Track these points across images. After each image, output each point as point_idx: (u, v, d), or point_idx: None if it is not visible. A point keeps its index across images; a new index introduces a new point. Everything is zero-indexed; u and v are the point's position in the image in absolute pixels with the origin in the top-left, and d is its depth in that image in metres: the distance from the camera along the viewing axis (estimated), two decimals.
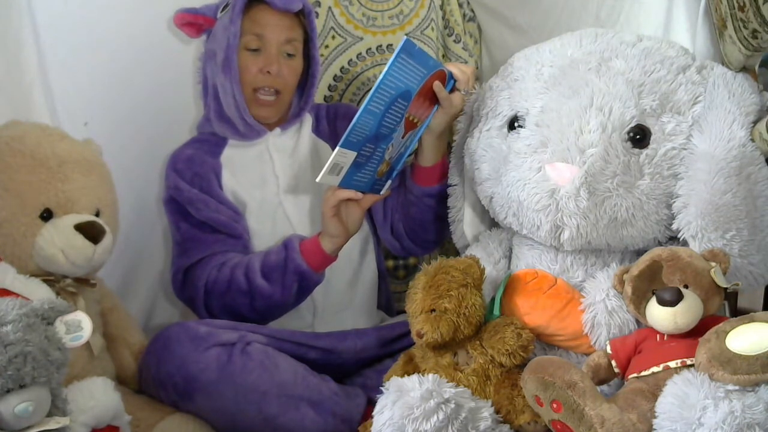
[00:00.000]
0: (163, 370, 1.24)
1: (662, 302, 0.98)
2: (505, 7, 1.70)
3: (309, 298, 1.43)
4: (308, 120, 1.58)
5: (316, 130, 1.58)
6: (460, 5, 1.78)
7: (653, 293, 1.01)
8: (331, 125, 1.58)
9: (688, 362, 0.96)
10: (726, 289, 1.02)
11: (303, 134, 1.56)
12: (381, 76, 1.14)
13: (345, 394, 1.31)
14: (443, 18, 1.77)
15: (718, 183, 1.07)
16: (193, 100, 1.66)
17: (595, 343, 1.09)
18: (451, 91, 1.30)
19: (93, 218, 1.24)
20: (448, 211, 1.37)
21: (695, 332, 0.98)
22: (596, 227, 1.11)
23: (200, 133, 1.56)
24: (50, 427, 0.89)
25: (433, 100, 1.28)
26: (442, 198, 1.39)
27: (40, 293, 1.15)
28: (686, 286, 1.00)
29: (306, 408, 1.25)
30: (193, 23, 1.49)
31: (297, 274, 1.35)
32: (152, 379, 1.27)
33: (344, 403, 1.29)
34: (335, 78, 1.76)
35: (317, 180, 1.21)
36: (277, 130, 1.52)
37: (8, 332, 0.86)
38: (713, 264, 1.02)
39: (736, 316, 0.96)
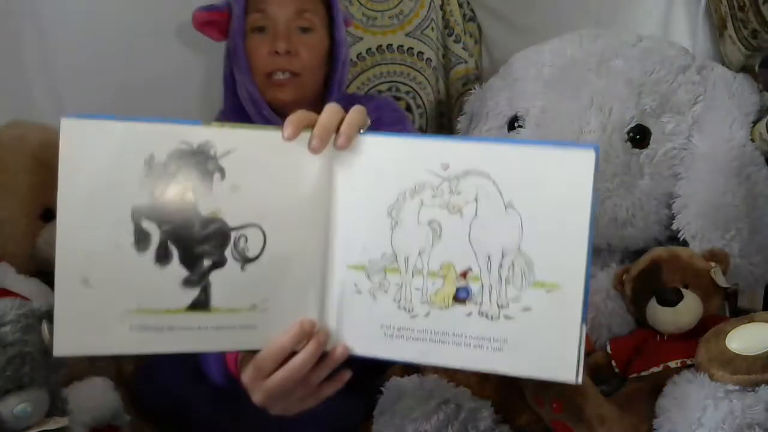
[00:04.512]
0: (157, 401, 1.20)
1: (662, 302, 0.98)
2: (505, 7, 1.70)
3: None
4: None
5: None
6: (460, 5, 1.78)
7: (653, 293, 1.01)
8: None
9: (688, 362, 0.96)
10: (726, 289, 1.02)
11: None
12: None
13: (344, 395, 1.31)
14: (443, 18, 1.77)
15: (718, 183, 1.07)
16: (196, 103, 1.66)
17: (595, 343, 1.09)
18: None
19: None
20: None
21: (695, 332, 0.97)
22: (596, 227, 1.11)
23: None
24: (49, 428, 0.88)
25: None
26: None
27: (39, 294, 1.15)
28: (686, 286, 1.00)
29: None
30: (211, 21, 1.36)
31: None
32: (144, 408, 1.21)
33: (344, 404, 1.29)
34: None
35: None
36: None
37: (7, 333, 0.86)
38: (713, 264, 1.01)
39: (736, 316, 0.96)
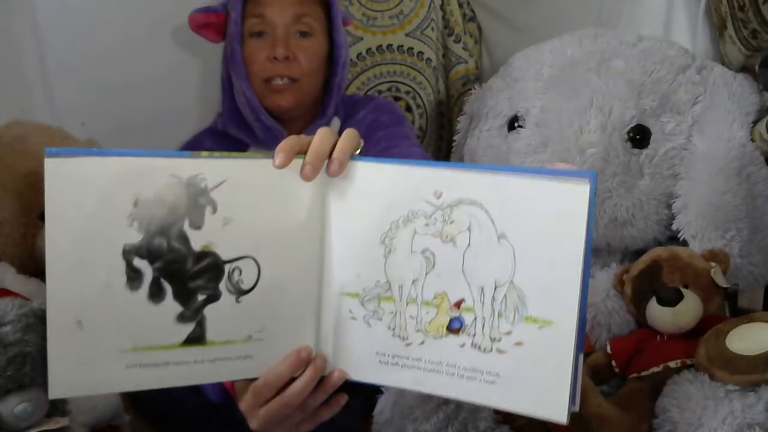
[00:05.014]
0: (156, 412, 1.18)
1: (662, 302, 0.98)
2: (505, 7, 1.70)
3: None
4: (336, 124, 1.35)
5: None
6: (460, 5, 1.78)
7: (653, 293, 1.01)
8: (369, 138, 1.28)
9: (688, 362, 0.96)
10: (726, 289, 1.02)
11: None
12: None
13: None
14: (443, 18, 1.77)
15: (718, 183, 1.07)
16: (193, 104, 1.66)
17: (595, 343, 1.09)
18: None
19: None
20: None
21: (695, 332, 0.98)
22: (596, 227, 1.11)
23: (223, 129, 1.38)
24: (50, 428, 0.88)
25: None
26: None
27: (39, 293, 1.15)
28: (686, 286, 1.00)
29: None
30: (208, 23, 1.36)
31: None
32: (143, 409, 1.22)
33: (344, 405, 1.28)
34: None
35: None
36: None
37: (7, 333, 0.86)
38: (713, 264, 1.01)
39: (736, 316, 0.96)
